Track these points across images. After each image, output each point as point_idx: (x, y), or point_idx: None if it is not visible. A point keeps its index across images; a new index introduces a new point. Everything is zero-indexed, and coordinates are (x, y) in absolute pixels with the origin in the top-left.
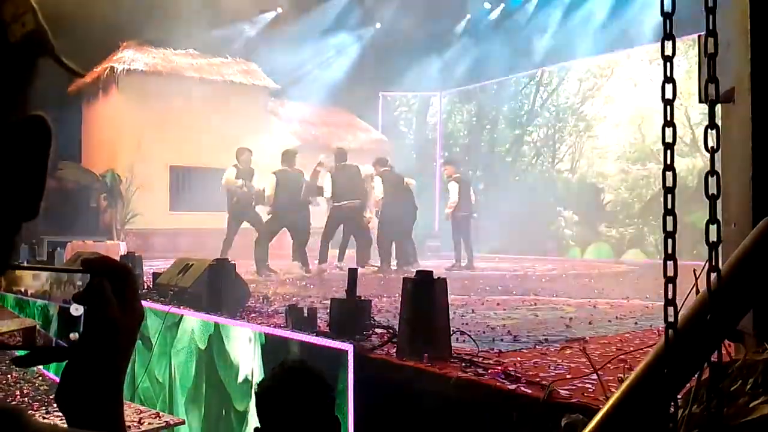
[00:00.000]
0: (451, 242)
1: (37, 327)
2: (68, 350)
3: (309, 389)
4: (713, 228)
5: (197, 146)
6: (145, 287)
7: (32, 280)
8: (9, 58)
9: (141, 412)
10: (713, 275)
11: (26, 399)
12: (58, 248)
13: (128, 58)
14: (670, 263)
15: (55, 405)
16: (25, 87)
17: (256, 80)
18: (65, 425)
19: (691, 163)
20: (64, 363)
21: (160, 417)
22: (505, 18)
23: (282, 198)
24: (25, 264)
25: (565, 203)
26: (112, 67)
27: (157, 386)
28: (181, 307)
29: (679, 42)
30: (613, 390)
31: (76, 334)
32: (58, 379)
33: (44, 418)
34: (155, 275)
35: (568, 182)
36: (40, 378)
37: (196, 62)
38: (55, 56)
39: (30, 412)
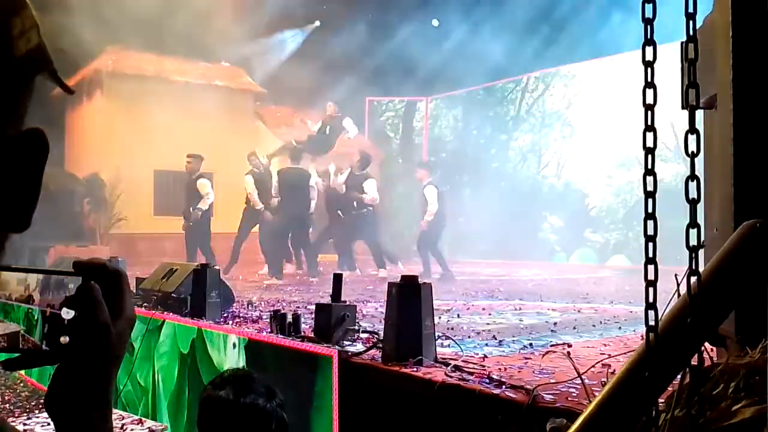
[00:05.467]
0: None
1: (21, 332)
2: (58, 354)
3: (249, 398)
4: (693, 232)
5: (182, 150)
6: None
7: (17, 285)
8: (12, 72)
9: (123, 418)
10: (693, 279)
11: (8, 405)
12: (41, 253)
13: (113, 61)
14: (650, 267)
15: (36, 411)
16: (24, 101)
17: (242, 84)
18: (50, 430)
19: (675, 169)
20: (49, 368)
21: (142, 423)
22: (490, 24)
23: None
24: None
25: (550, 208)
26: (96, 71)
27: (140, 391)
28: (165, 312)
29: (664, 48)
30: (596, 395)
31: (67, 338)
32: (40, 385)
33: (25, 425)
34: (139, 280)
35: (554, 187)
36: (22, 384)
37: (182, 66)
38: (53, 73)
39: (11, 419)
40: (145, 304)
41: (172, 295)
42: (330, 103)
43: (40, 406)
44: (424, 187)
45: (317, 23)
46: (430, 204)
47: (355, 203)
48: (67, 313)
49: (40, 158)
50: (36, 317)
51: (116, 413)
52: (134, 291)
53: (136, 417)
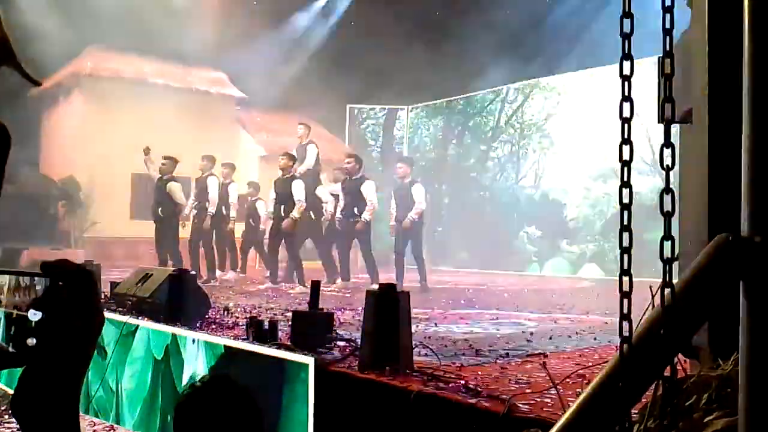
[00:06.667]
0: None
1: None
2: (25, 356)
3: (226, 405)
4: (668, 244)
5: (161, 154)
6: (103, 297)
7: None
8: None
9: (95, 424)
10: (667, 290)
11: None
12: (14, 256)
13: (91, 63)
14: (625, 278)
15: (6, 416)
16: None
17: (223, 89)
18: None
19: (651, 182)
20: (19, 371)
21: (114, 430)
22: (471, 35)
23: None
24: None
25: (528, 219)
26: (74, 72)
27: (112, 396)
28: (140, 317)
29: (641, 62)
30: (571, 405)
31: (34, 340)
32: (8, 389)
33: None
34: (114, 284)
35: (532, 198)
36: None
37: (162, 69)
38: (16, 64)
39: None
40: (120, 308)
41: (147, 300)
42: (301, 124)
43: (9, 410)
44: (411, 185)
45: (300, 28)
46: (417, 203)
47: (356, 209)
48: (35, 315)
49: (2, 151)
50: (0, 319)
51: (88, 419)
52: (109, 296)
53: (108, 423)
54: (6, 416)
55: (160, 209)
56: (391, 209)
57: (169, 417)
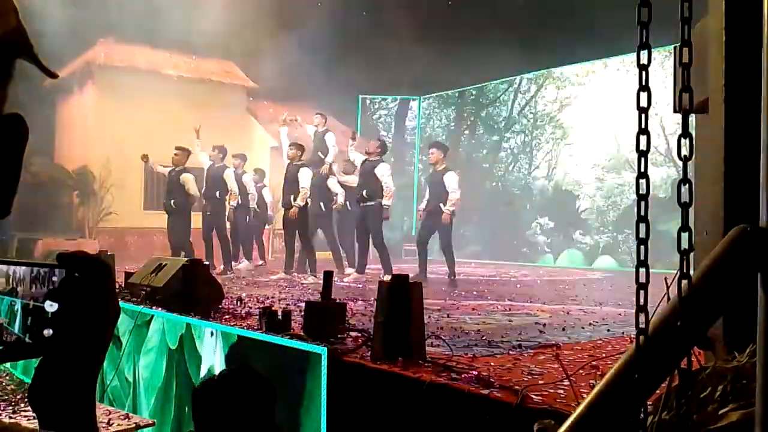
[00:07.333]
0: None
1: (3, 324)
2: (42, 347)
3: (247, 394)
4: (685, 235)
5: (173, 144)
6: (117, 286)
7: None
8: None
9: (110, 413)
10: (684, 282)
11: None
12: (29, 245)
13: (105, 54)
14: (642, 270)
15: (22, 404)
16: (2, 85)
17: (234, 79)
18: (35, 424)
19: (665, 173)
20: (34, 361)
21: (129, 418)
22: (484, 24)
23: None
24: None
25: (540, 210)
26: (88, 62)
27: (127, 386)
28: (154, 307)
29: (655, 53)
30: (584, 396)
31: (50, 331)
32: (24, 379)
33: (11, 417)
34: (127, 274)
35: (544, 189)
36: (7, 377)
37: (174, 60)
38: (33, 56)
39: None
40: (134, 298)
41: (161, 290)
42: (317, 114)
43: (26, 399)
44: (444, 173)
45: (311, 18)
46: (451, 192)
47: (364, 192)
48: (51, 306)
49: (19, 144)
50: (16, 309)
51: (103, 408)
52: (123, 285)
53: (123, 412)
54: (22, 404)
55: (172, 201)
56: (425, 196)
57: (187, 408)
